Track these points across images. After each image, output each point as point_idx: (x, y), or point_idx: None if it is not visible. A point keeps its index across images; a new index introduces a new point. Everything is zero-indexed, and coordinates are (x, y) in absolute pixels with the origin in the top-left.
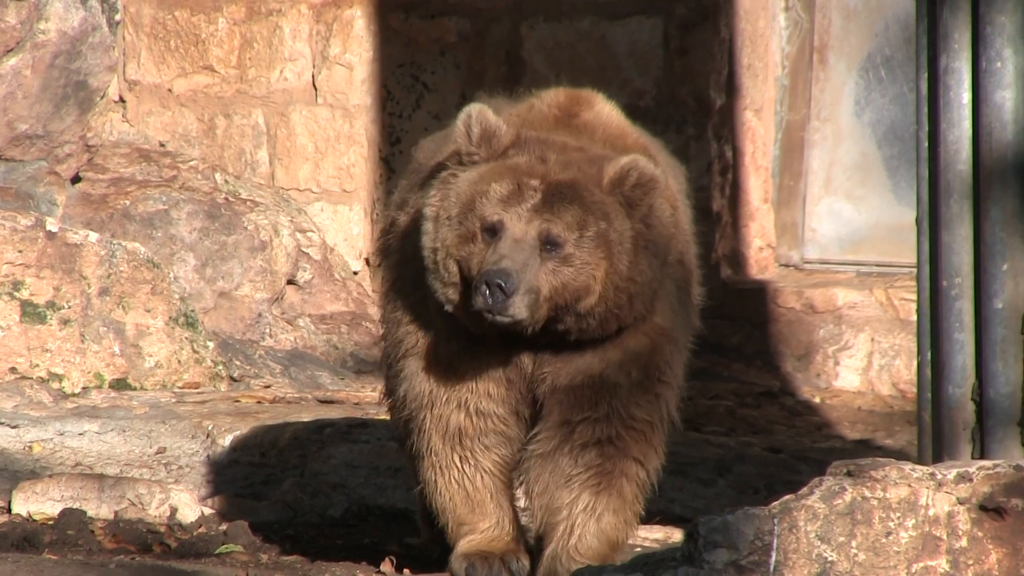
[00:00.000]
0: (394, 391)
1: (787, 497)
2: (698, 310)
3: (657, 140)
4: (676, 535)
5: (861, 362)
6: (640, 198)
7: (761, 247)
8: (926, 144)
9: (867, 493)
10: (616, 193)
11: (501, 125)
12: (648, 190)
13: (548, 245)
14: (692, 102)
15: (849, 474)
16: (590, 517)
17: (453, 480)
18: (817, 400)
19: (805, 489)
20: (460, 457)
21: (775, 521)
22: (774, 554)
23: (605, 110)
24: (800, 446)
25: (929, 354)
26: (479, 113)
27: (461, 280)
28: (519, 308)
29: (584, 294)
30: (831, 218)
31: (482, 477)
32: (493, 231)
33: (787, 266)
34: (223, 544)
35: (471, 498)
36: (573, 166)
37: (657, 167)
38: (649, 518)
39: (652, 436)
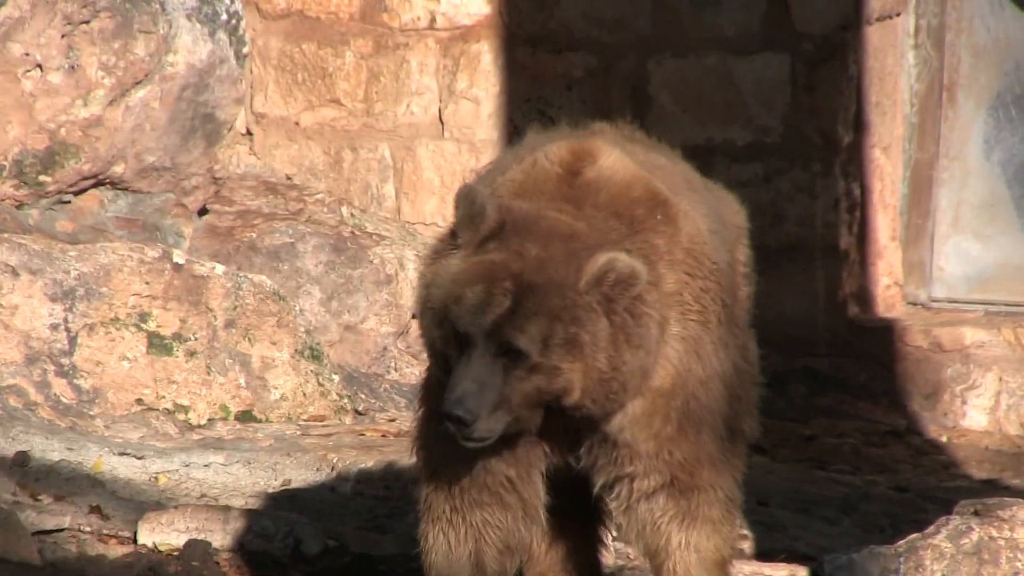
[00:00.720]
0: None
1: (913, 536)
2: (746, 346)
3: (686, 176)
4: (801, 573)
5: (989, 401)
6: (620, 294)
7: (888, 285)
8: None
9: (994, 533)
10: (595, 292)
11: (486, 209)
12: (628, 286)
13: (510, 356)
14: (819, 139)
15: (976, 513)
16: (687, 551)
17: (440, 533)
18: (944, 439)
19: (931, 528)
20: (450, 508)
21: (901, 560)
22: None
23: (610, 163)
24: (926, 485)
25: None
26: (465, 195)
27: (447, 373)
28: (487, 428)
29: (564, 394)
30: (959, 257)
31: (466, 531)
32: (463, 342)
33: (914, 304)
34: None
35: (451, 552)
36: (552, 264)
37: (635, 261)
38: (773, 555)
39: (710, 462)
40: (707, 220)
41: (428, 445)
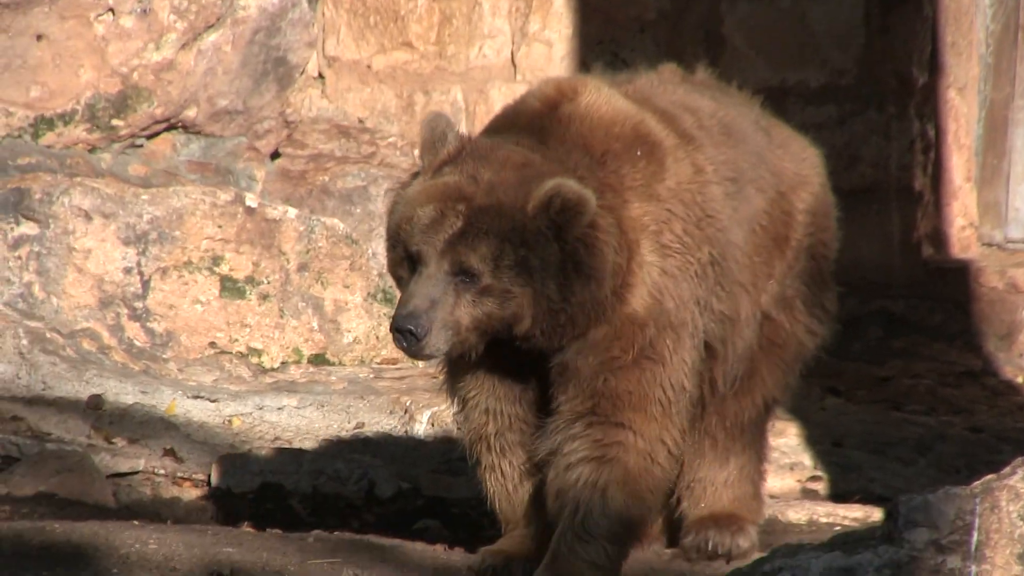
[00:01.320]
0: None
1: (989, 477)
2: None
3: (728, 121)
4: (876, 514)
5: None
6: (569, 221)
7: (963, 226)
8: None
9: None
10: (543, 217)
11: (446, 135)
12: (576, 213)
13: (463, 276)
14: (893, 81)
15: None
16: (593, 492)
17: (496, 480)
18: (1019, 380)
19: (1007, 469)
20: (496, 455)
21: (976, 501)
22: (975, 534)
23: (591, 100)
24: (1002, 426)
25: None
26: (428, 121)
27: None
28: (435, 345)
29: (514, 321)
30: None
31: (518, 475)
32: (413, 262)
33: (990, 245)
34: (421, 519)
35: (512, 496)
36: (501, 189)
37: (583, 188)
38: (848, 496)
39: (642, 405)
40: (724, 165)
41: (454, 393)
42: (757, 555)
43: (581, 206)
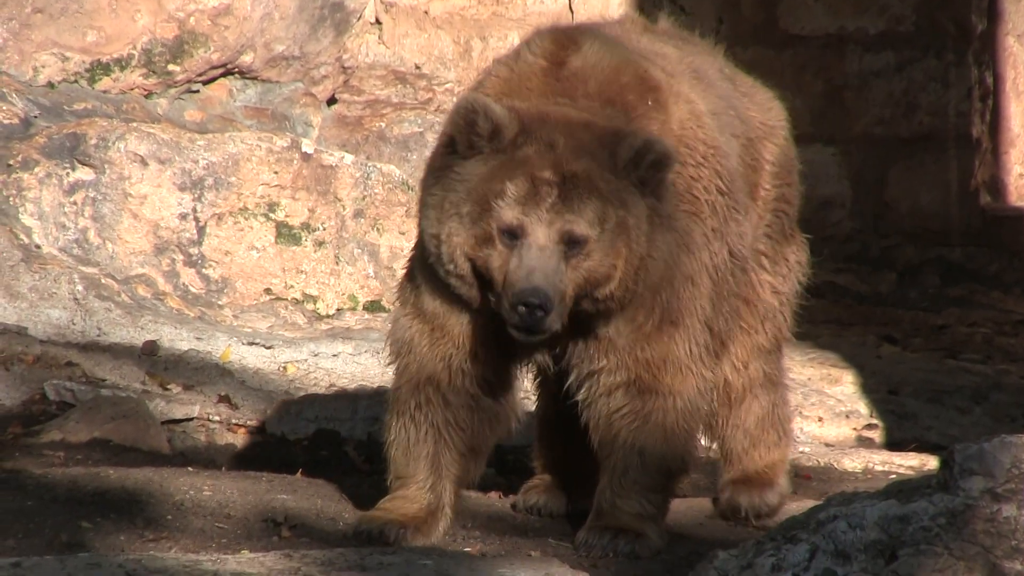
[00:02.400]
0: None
1: None
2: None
3: (695, 66)
4: (931, 462)
5: None
6: (653, 176)
7: (1021, 174)
8: None
9: None
10: (631, 175)
11: (507, 114)
12: (663, 167)
13: (571, 245)
14: (952, 27)
15: None
16: (631, 452)
17: (402, 427)
18: None
19: None
20: (415, 404)
21: None
22: None
23: (594, 50)
24: None
25: None
26: (485, 106)
27: (476, 278)
28: (555, 322)
29: (604, 282)
30: None
31: (427, 431)
32: (513, 235)
33: None
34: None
35: (410, 451)
36: (585, 151)
37: (666, 141)
38: (904, 445)
39: (676, 367)
40: (707, 103)
41: (408, 341)
42: (791, 504)
43: (670, 159)
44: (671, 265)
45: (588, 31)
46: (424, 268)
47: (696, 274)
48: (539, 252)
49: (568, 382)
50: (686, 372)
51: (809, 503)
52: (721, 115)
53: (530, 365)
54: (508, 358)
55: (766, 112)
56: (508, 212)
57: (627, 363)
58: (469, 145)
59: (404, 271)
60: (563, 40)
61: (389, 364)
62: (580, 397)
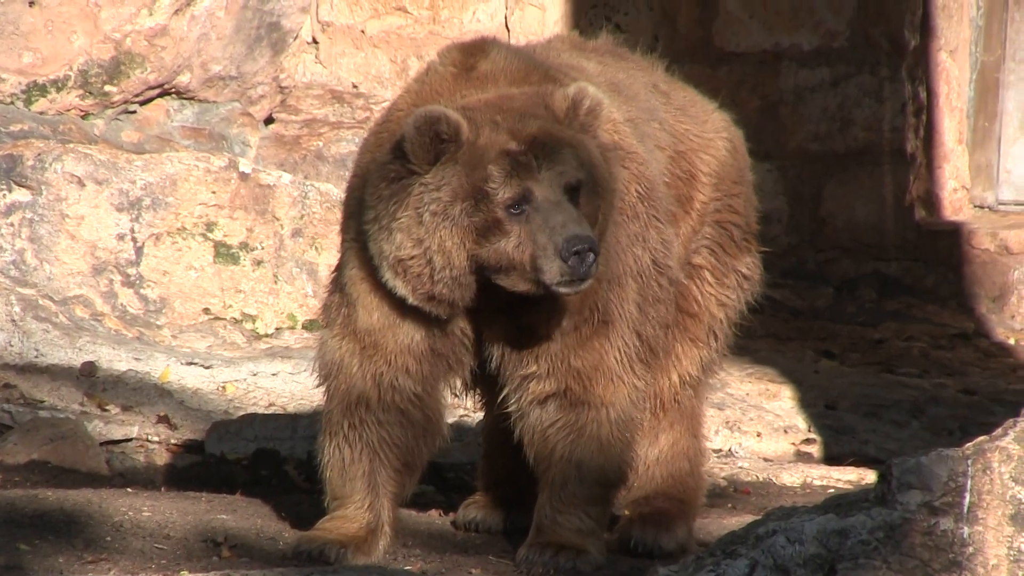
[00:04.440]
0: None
1: (981, 439)
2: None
3: (615, 79)
4: (869, 476)
5: None
6: (592, 123)
7: (955, 188)
8: None
9: None
10: (573, 123)
11: (459, 116)
12: (597, 114)
13: (572, 193)
14: (886, 43)
15: None
16: (568, 466)
17: (336, 448)
18: (1011, 342)
19: (999, 431)
20: (349, 425)
21: (969, 463)
22: (968, 496)
23: (502, 56)
24: (994, 388)
25: None
26: (442, 113)
27: (472, 272)
28: (596, 267)
29: (593, 225)
30: None
31: (363, 450)
32: (521, 205)
33: (981, 207)
34: (417, 484)
35: (346, 471)
36: (525, 116)
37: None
38: (842, 459)
39: (607, 377)
40: (624, 113)
41: (337, 361)
42: (696, 548)
43: (601, 105)
44: (605, 259)
45: (495, 41)
46: (361, 286)
47: (622, 276)
48: (556, 206)
49: (504, 393)
50: (617, 382)
51: (748, 518)
52: (641, 125)
53: (462, 377)
54: (438, 373)
55: (701, 125)
56: (506, 188)
57: (558, 371)
58: (435, 153)
59: (327, 293)
60: (471, 49)
61: (319, 386)
62: (512, 408)
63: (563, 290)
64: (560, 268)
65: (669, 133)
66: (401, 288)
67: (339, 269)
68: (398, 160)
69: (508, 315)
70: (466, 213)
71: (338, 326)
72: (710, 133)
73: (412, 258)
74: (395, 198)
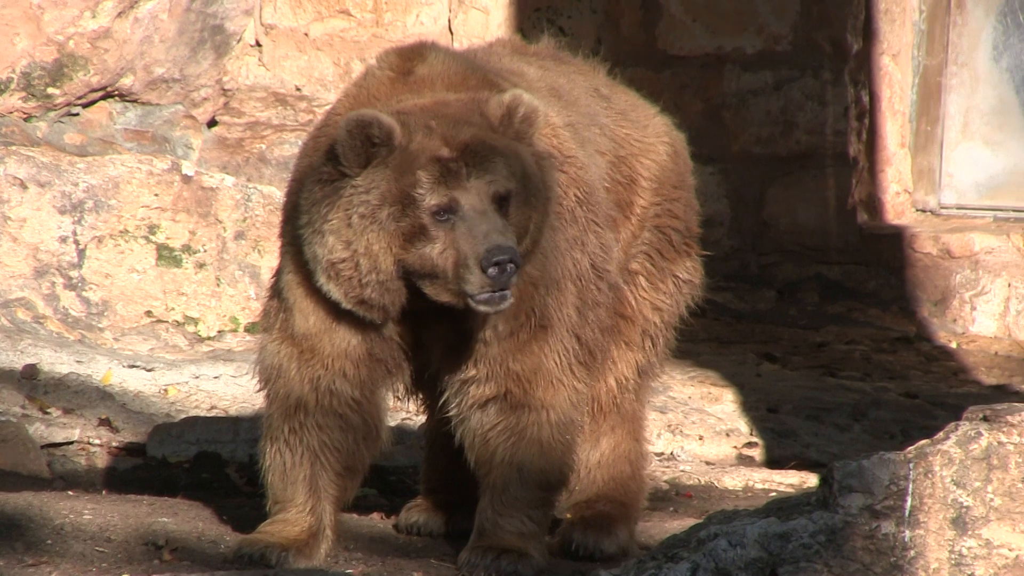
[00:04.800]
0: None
1: (923, 442)
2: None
3: (554, 84)
4: (811, 480)
5: (998, 307)
6: (527, 130)
7: (898, 192)
8: None
9: (1003, 438)
10: (508, 131)
11: (393, 120)
12: (532, 121)
13: (501, 204)
14: (829, 47)
15: (985, 419)
16: (510, 469)
17: (277, 452)
18: (953, 345)
19: (941, 434)
20: (289, 429)
21: (910, 466)
22: (909, 499)
23: (440, 59)
24: (936, 391)
25: None
26: (374, 116)
27: (400, 278)
28: (515, 278)
29: (524, 235)
30: (968, 163)
31: (303, 454)
32: (447, 214)
33: (924, 211)
34: (359, 487)
35: (287, 475)
36: (459, 121)
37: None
38: (784, 462)
39: (547, 380)
40: (563, 118)
41: (276, 366)
42: (638, 552)
43: (537, 112)
44: (539, 269)
45: (434, 45)
46: (297, 290)
47: (561, 280)
48: (482, 216)
49: (444, 398)
50: (557, 384)
51: (690, 521)
52: (581, 131)
53: (402, 381)
54: (377, 377)
55: (642, 129)
56: (433, 195)
57: (497, 374)
58: (366, 157)
59: (267, 297)
60: (409, 53)
61: (259, 391)
62: (452, 412)
63: (483, 308)
64: (480, 279)
65: (610, 138)
66: (334, 292)
67: (277, 273)
68: (331, 163)
69: (446, 320)
70: (393, 218)
71: (276, 330)
72: (651, 137)
73: (343, 261)
74: (327, 200)
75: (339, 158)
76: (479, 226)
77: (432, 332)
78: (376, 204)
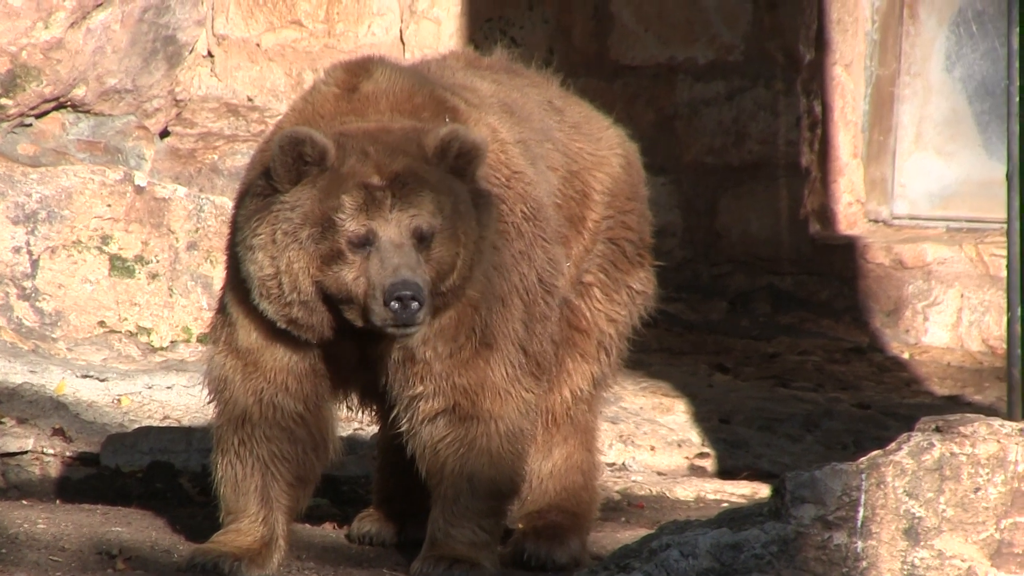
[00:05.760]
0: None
1: (875, 453)
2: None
3: (506, 99)
4: (763, 491)
5: (950, 318)
6: (465, 167)
7: (850, 202)
8: (1017, 99)
9: (956, 449)
10: (442, 165)
11: (327, 139)
12: (472, 158)
13: (421, 239)
14: (781, 57)
15: (938, 430)
16: (460, 480)
17: (228, 464)
18: (906, 356)
19: (893, 445)
20: (239, 441)
21: (863, 477)
22: (861, 510)
23: (386, 75)
24: (889, 402)
25: (1020, 310)
26: (308, 135)
27: (322, 301)
28: (426, 314)
29: (448, 272)
30: (921, 174)
31: (254, 465)
32: (363, 243)
33: (876, 222)
34: (311, 497)
35: (239, 486)
36: (397, 151)
37: (473, 132)
38: (736, 473)
39: (494, 392)
40: (515, 134)
41: (222, 378)
42: (590, 561)
43: (478, 149)
44: (486, 284)
45: (381, 60)
46: (239, 305)
47: (507, 295)
48: (397, 249)
49: (394, 413)
50: (505, 396)
51: (642, 532)
52: (533, 147)
53: (353, 394)
54: (323, 391)
55: (596, 142)
56: (353, 222)
57: (444, 389)
58: (297, 174)
59: (215, 310)
60: (355, 69)
61: (209, 402)
62: (403, 427)
63: (390, 331)
64: (383, 313)
65: (562, 153)
66: (268, 310)
67: (223, 287)
68: (264, 178)
69: (387, 339)
70: (312, 239)
71: (222, 343)
72: (604, 150)
73: (271, 279)
74: (257, 215)
75: (271, 174)
76: (391, 259)
77: (376, 350)
78: (298, 223)
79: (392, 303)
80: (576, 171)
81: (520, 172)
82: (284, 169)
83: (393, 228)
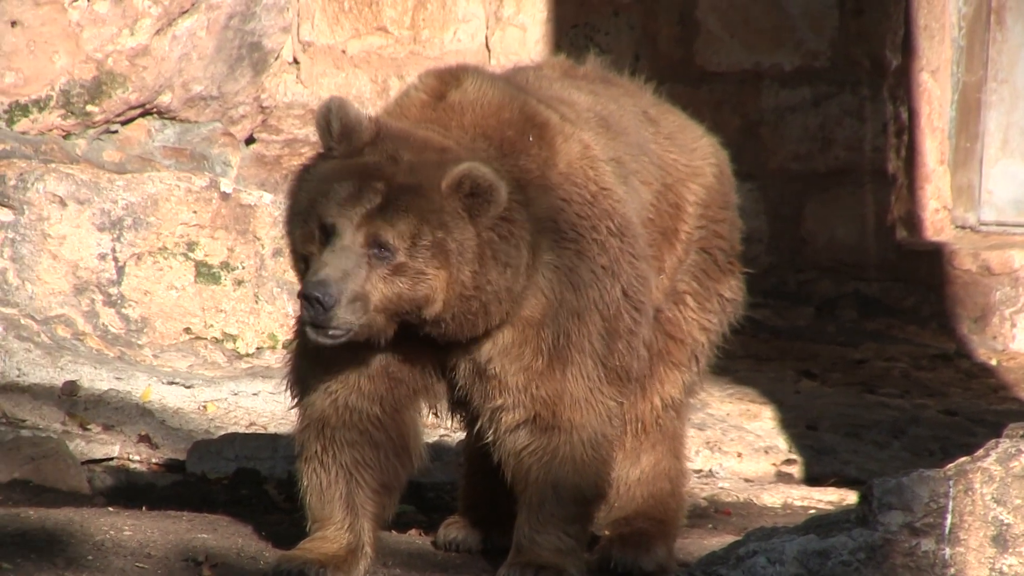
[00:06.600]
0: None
1: (962, 460)
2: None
3: (605, 113)
4: (850, 497)
5: None
6: (480, 207)
7: (937, 209)
8: None
9: None
10: (455, 199)
11: (362, 120)
12: (486, 200)
13: (377, 250)
14: (867, 63)
15: None
16: (545, 487)
17: (312, 471)
18: (993, 362)
19: (981, 451)
20: (321, 447)
21: (950, 484)
22: (949, 516)
23: (476, 86)
24: (976, 408)
25: None
26: (339, 107)
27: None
28: (344, 319)
29: (425, 304)
30: (1008, 180)
31: (338, 472)
32: (327, 233)
33: (963, 228)
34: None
35: (324, 493)
36: (421, 169)
37: (495, 175)
38: (823, 479)
39: (574, 401)
40: (609, 151)
41: (300, 381)
42: (676, 569)
43: (492, 192)
44: (553, 302)
45: (475, 70)
46: None
47: (584, 311)
48: (340, 251)
49: (479, 425)
50: (586, 405)
51: (728, 538)
52: (627, 163)
53: (438, 400)
54: (400, 395)
55: (689, 153)
56: (327, 211)
57: (523, 401)
58: (326, 147)
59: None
60: (447, 77)
61: (291, 408)
62: (489, 438)
63: (308, 331)
64: (301, 311)
65: (657, 166)
66: None
67: None
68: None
69: (461, 350)
70: (303, 215)
71: (299, 345)
72: (698, 160)
73: (289, 245)
74: (300, 174)
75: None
76: (327, 257)
77: (453, 361)
78: (304, 196)
79: (302, 300)
80: (670, 184)
81: (608, 189)
82: (320, 138)
83: (351, 229)
